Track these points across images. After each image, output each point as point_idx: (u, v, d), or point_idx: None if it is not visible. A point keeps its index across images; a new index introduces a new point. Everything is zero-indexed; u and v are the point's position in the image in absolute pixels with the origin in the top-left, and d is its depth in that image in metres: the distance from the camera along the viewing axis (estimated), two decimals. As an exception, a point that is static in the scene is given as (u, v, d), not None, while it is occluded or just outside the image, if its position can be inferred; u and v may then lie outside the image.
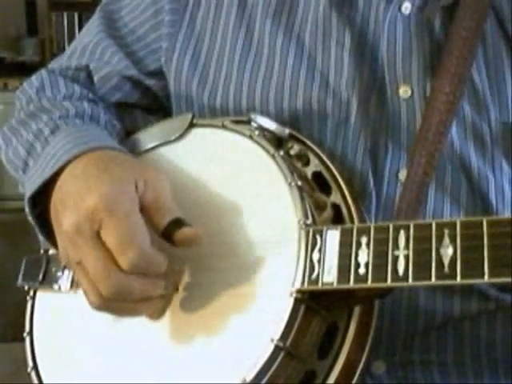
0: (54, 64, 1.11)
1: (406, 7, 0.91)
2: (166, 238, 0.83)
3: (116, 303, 0.83)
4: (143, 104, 1.08)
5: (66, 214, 0.83)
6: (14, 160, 1.00)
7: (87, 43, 1.08)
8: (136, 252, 0.80)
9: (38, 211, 0.92)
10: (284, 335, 0.78)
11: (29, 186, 0.92)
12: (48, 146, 0.94)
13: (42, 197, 0.90)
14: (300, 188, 0.84)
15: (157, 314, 0.86)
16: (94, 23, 1.09)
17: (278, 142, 0.91)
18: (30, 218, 0.93)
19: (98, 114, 1.01)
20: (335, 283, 0.78)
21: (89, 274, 0.82)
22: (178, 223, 0.83)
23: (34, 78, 1.09)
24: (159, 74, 1.03)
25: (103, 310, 0.84)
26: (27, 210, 0.92)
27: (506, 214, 0.90)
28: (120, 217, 0.80)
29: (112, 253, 0.80)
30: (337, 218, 0.85)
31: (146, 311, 0.85)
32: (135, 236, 0.80)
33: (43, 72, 1.09)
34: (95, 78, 1.06)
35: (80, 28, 5.08)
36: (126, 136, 1.02)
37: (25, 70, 4.88)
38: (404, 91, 0.91)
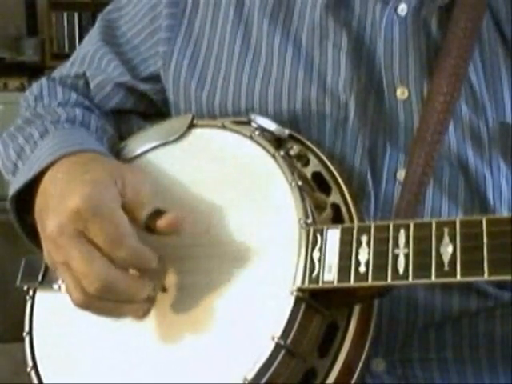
0: (56, 73, 1.13)
1: (403, 9, 0.91)
2: (149, 231, 0.84)
3: (100, 301, 0.83)
4: (139, 110, 1.09)
5: (49, 217, 0.84)
6: (6, 163, 1.02)
7: (87, 52, 1.10)
8: (128, 247, 0.81)
9: (25, 213, 0.93)
10: (285, 333, 0.78)
11: (13, 185, 0.94)
12: (36, 148, 0.96)
13: (28, 199, 0.91)
14: (300, 188, 0.84)
15: (141, 315, 0.86)
16: (95, 32, 1.11)
17: (277, 142, 0.91)
18: (12, 217, 0.94)
19: (89, 119, 1.03)
20: (335, 282, 0.78)
21: (73, 271, 0.82)
22: (158, 214, 0.84)
23: (34, 85, 1.10)
24: (154, 78, 1.04)
25: (87, 307, 0.84)
26: (10, 208, 0.93)
27: (504, 213, 0.90)
28: (104, 216, 0.81)
29: (101, 251, 0.81)
30: (336, 218, 0.86)
31: (131, 312, 0.85)
32: (123, 232, 0.81)
33: (43, 80, 1.10)
34: (91, 86, 1.07)
35: (80, 28, 5.09)
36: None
37: (25, 70, 4.89)
38: (401, 92, 0.91)
